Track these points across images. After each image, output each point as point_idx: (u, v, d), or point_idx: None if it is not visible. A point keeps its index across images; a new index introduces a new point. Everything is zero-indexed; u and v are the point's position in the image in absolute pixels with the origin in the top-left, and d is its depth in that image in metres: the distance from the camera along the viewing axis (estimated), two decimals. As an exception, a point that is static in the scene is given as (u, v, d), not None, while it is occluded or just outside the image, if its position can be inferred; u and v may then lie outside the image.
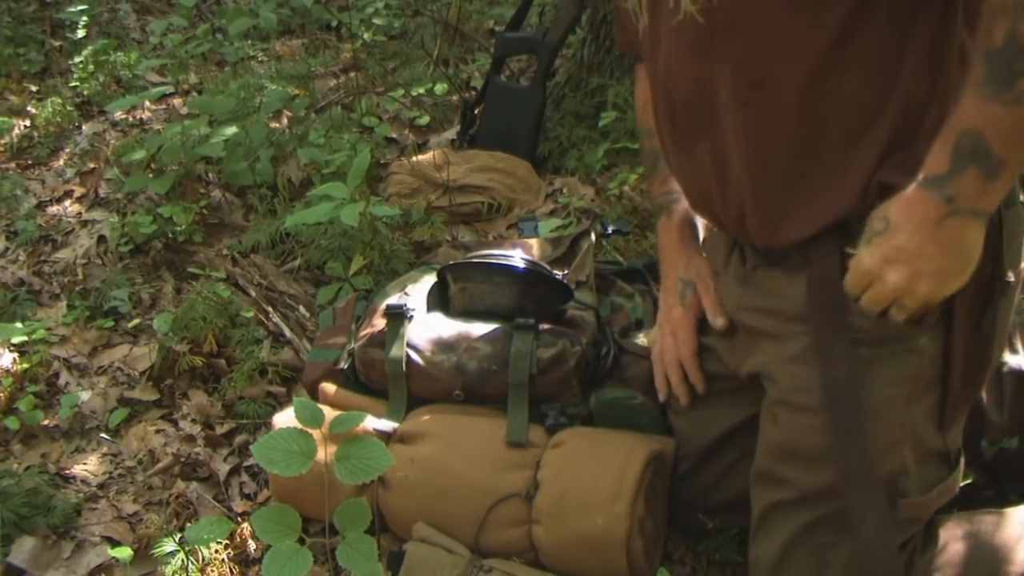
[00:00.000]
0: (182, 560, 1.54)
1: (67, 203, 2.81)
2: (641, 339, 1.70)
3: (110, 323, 2.27)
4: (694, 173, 1.31)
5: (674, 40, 1.23)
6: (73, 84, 3.50)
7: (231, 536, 1.60)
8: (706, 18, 1.17)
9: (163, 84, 3.38)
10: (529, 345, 1.59)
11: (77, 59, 3.54)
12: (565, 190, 2.59)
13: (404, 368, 1.64)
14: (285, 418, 1.60)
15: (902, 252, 1.09)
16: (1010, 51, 0.99)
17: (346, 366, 1.73)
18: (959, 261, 1.08)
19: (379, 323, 1.70)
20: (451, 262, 1.80)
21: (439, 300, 1.77)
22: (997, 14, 1.00)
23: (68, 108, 3.26)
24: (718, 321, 1.42)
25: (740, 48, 1.15)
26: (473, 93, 3.04)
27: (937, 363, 1.20)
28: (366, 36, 3.66)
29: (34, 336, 2.11)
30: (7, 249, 2.60)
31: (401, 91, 3.17)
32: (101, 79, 3.45)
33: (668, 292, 1.52)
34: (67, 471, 1.89)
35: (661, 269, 1.56)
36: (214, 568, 1.58)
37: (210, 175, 2.76)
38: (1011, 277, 1.19)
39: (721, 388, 1.48)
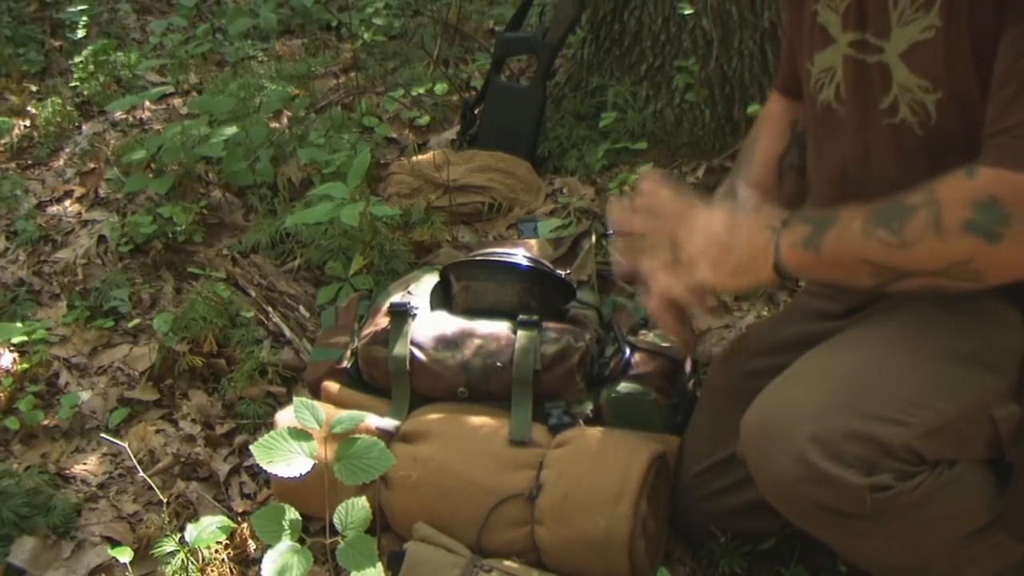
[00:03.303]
0: (182, 560, 1.54)
1: (67, 203, 2.81)
2: (651, 336, 1.70)
3: (110, 323, 2.26)
4: None
5: (884, 139, 1.23)
6: (73, 84, 3.49)
7: (231, 536, 1.59)
8: (924, 131, 1.18)
9: (163, 84, 3.38)
10: (533, 341, 1.59)
11: (77, 59, 3.54)
12: (565, 190, 2.59)
13: (408, 366, 1.64)
14: (287, 416, 1.60)
15: (730, 216, 1.22)
16: (902, 214, 1.09)
17: (349, 365, 1.73)
18: (745, 258, 1.19)
19: (382, 321, 1.70)
20: (454, 261, 1.80)
21: (442, 299, 1.77)
22: (923, 191, 1.09)
23: (68, 108, 3.26)
24: None
25: (953, 167, 1.13)
26: (473, 93, 3.04)
27: None
28: (366, 36, 3.66)
29: (34, 336, 2.11)
30: (7, 249, 2.60)
31: (401, 91, 3.17)
32: (101, 79, 3.45)
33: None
34: (67, 471, 1.88)
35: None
36: (214, 568, 1.58)
37: (210, 175, 2.76)
38: None
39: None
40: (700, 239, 1.22)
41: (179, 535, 1.55)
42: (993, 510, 1.21)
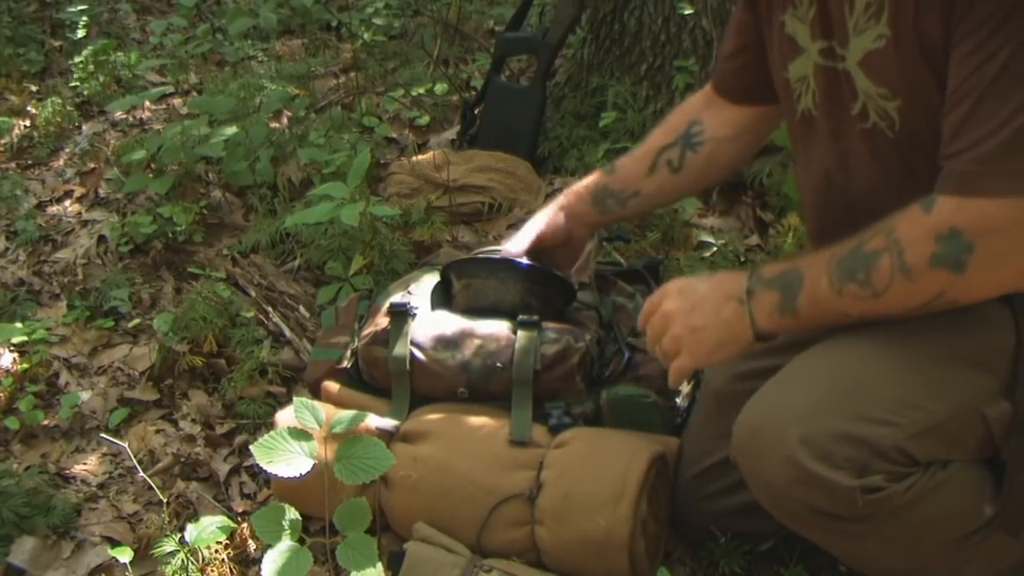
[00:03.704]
0: (182, 560, 1.54)
1: (67, 203, 2.81)
2: None
3: (110, 323, 2.27)
4: None
5: (860, 144, 1.24)
6: (73, 84, 3.50)
7: (231, 536, 1.60)
8: (894, 134, 1.19)
9: (163, 84, 3.39)
10: (533, 342, 1.59)
11: (77, 59, 3.54)
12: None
13: (408, 366, 1.64)
14: (287, 416, 1.60)
15: (692, 294, 1.27)
16: (866, 263, 1.11)
17: (349, 365, 1.73)
18: (718, 336, 1.24)
19: (382, 321, 1.69)
20: (454, 260, 1.79)
21: (442, 298, 1.77)
22: (881, 233, 1.11)
23: (68, 108, 3.26)
24: None
25: (926, 166, 1.15)
26: (473, 93, 3.04)
27: None
28: (366, 36, 3.66)
29: (34, 336, 2.11)
30: (7, 249, 2.60)
31: (401, 91, 3.17)
32: (101, 79, 3.45)
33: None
34: (67, 471, 1.88)
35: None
36: (214, 568, 1.58)
37: (210, 175, 2.76)
38: None
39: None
40: (676, 328, 1.27)
41: (179, 535, 1.56)
42: (990, 509, 1.20)
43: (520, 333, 1.61)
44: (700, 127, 1.56)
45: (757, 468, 1.20)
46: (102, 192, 2.82)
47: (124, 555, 1.54)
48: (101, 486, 1.85)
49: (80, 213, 2.74)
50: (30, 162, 3.07)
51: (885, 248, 1.10)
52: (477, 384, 1.62)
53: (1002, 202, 1.04)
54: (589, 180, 1.67)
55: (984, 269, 1.06)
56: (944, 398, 1.16)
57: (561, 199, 1.70)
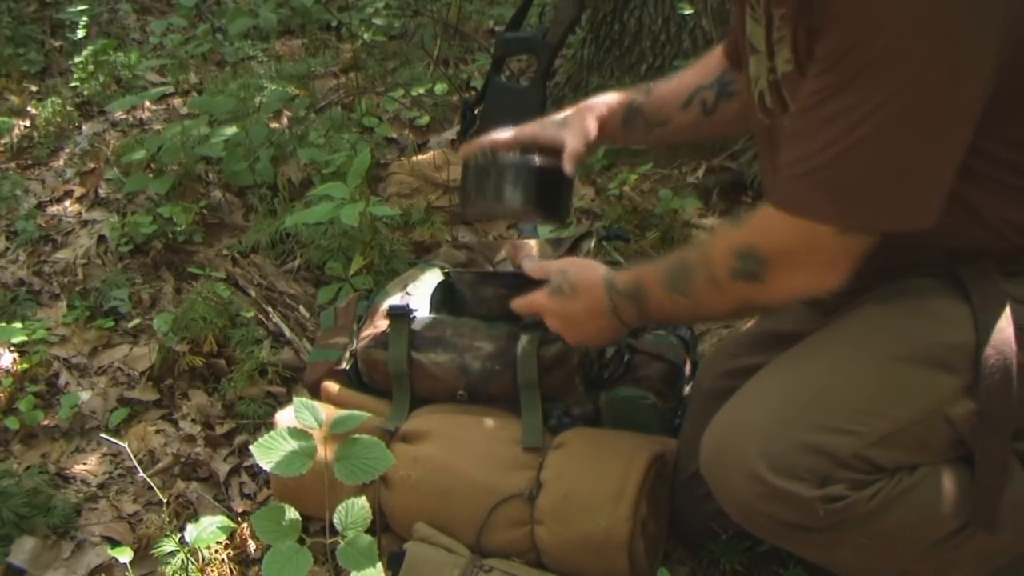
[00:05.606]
0: (182, 560, 1.54)
1: (67, 203, 2.81)
2: (651, 339, 1.70)
3: (110, 323, 2.27)
4: None
5: None
6: (73, 84, 3.50)
7: (231, 536, 1.60)
8: None
9: (163, 84, 3.39)
10: (534, 345, 1.59)
11: (77, 59, 3.54)
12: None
13: (407, 369, 1.64)
14: (287, 416, 1.60)
15: (569, 314, 1.43)
16: (686, 277, 1.26)
17: (348, 366, 1.73)
18: (602, 339, 1.46)
19: (381, 324, 1.69)
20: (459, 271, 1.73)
21: (445, 301, 1.75)
22: (698, 248, 1.29)
23: (68, 108, 3.26)
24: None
25: None
26: (473, 93, 3.04)
27: None
28: (366, 36, 3.67)
29: (34, 336, 2.11)
30: (7, 249, 2.60)
31: (401, 91, 3.17)
32: (101, 79, 3.45)
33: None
34: (67, 471, 1.89)
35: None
36: (214, 568, 1.58)
37: (210, 175, 2.76)
38: None
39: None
40: (570, 336, 1.47)
41: (179, 535, 1.56)
42: (970, 509, 1.19)
43: (522, 336, 1.60)
44: (732, 77, 1.54)
45: (724, 484, 1.20)
46: (102, 192, 2.82)
47: (124, 555, 1.54)
48: (101, 486, 1.85)
49: (80, 213, 2.74)
50: (30, 162, 3.07)
51: (700, 262, 1.24)
52: (476, 387, 1.61)
53: (797, 223, 1.12)
54: (623, 96, 1.62)
55: (781, 279, 1.17)
56: (906, 403, 1.16)
57: (591, 108, 1.62)
